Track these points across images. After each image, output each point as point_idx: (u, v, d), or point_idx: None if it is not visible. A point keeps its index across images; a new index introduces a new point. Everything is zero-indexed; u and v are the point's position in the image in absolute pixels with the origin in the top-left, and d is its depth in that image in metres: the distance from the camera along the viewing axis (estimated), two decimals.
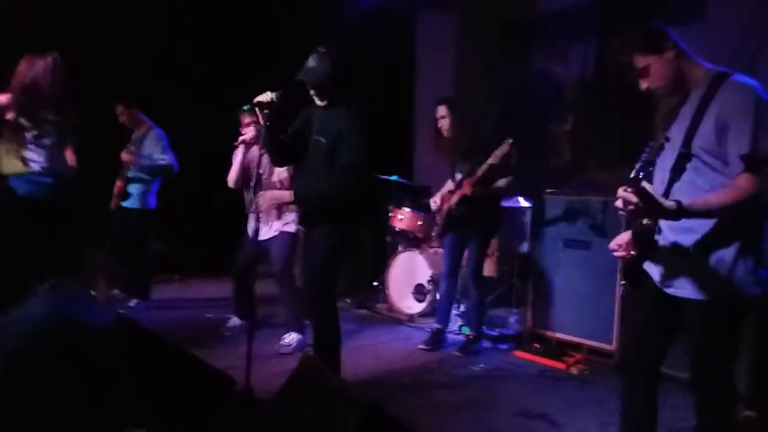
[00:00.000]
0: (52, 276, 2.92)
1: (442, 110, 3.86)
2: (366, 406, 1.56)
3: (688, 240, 1.90)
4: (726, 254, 1.85)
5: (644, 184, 1.74)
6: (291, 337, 3.79)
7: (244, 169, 3.86)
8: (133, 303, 4.58)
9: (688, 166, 1.86)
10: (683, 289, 1.91)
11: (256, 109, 2.69)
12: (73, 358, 2.07)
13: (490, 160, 3.61)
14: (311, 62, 2.76)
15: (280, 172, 3.78)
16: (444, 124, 3.86)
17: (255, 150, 3.77)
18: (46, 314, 2.22)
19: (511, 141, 3.57)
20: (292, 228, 3.83)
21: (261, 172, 3.71)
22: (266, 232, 3.82)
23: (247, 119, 3.79)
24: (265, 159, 3.40)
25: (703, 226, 1.87)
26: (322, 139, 2.79)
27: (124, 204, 4.53)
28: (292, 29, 5.57)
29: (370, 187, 2.95)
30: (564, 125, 5.54)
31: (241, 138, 3.69)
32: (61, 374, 2.01)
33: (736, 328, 1.93)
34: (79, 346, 2.11)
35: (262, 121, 2.72)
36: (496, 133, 3.94)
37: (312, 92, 2.83)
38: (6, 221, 3.57)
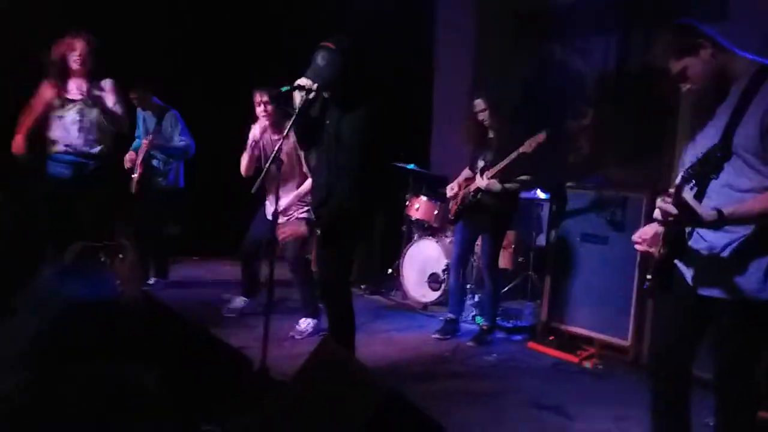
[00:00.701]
0: (75, 243, 2.95)
1: (480, 104, 3.80)
2: (386, 391, 1.57)
3: (722, 240, 1.84)
4: (760, 255, 1.79)
5: (684, 194, 1.69)
6: (306, 323, 3.81)
7: (258, 155, 3.84)
8: (152, 281, 4.64)
9: (727, 165, 1.76)
10: (715, 289, 1.87)
11: (296, 92, 2.61)
12: (93, 334, 2.09)
13: (522, 149, 3.57)
14: (319, 60, 2.61)
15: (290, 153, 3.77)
16: (485, 116, 3.80)
17: (267, 135, 3.82)
18: (63, 293, 2.23)
19: (546, 131, 3.54)
20: (306, 214, 3.82)
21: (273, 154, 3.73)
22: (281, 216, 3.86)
23: (258, 98, 3.73)
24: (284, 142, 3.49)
25: (738, 227, 1.81)
26: (330, 129, 2.76)
27: (156, 184, 4.55)
28: (305, 14, 5.56)
29: (381, 179, 2.90)
30: (583, 119, 5.49)
31: (253, 134, 3.68)
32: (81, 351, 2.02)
33: (765, 330, 1.88)
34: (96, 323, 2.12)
35: (298, 104, 2.62)
36: (513, 128, 3.90)
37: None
38: (27, 200, 3.65)
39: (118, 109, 3.81)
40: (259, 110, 3.75)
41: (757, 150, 1.75)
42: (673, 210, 1.71)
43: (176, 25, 5.42)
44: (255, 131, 3.78)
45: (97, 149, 3.75)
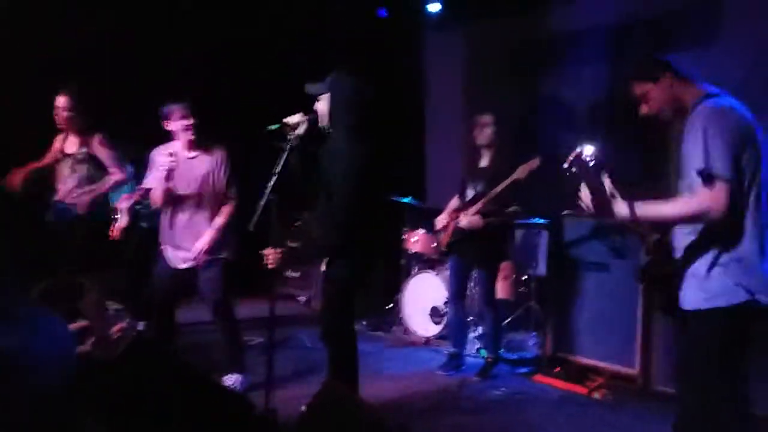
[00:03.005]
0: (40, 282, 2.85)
1: (488, 119, 3.77)
2: (395, 430, 1.52)
3: (678, 254, 2.05)
4: (701, 266, 1.96)
5: (604, 178, 2.01)
6: (233, 379, 3.40)
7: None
8: (141, 326, 4.51)
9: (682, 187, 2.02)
10: (682, 300, 2.03)
11: (285, 129, 2.65)
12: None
13: (515, 175, 3.55)
14: (327, 80, 2.73)
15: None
16: (488, 134, 3.75)
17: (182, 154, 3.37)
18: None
19: (540, 157, 3.52)
20: (223, 254, 3.41)
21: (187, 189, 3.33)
22: (185, 260, 3.37)
23: (178, 113, 3.28)
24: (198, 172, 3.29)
25: (688, 239, 2.01)
26: (324, 165, 2.76)
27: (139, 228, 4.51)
28: (292, 49, 5.61)
29: (380, 215, 2.87)
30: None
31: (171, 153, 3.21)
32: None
33: (715, 341, 1.95)
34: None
35: (288, 144, 2.64)
36: (508, 155, 3.87)
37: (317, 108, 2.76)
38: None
39: (113, 165, 3.91)
40: (180, 124, 3.29)
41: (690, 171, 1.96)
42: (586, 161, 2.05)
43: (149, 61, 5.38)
44: (173, 149, 3.28)
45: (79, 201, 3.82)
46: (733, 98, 2.04)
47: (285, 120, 2.67)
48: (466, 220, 3.72)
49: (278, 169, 2.65)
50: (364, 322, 5.11)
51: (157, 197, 3.32)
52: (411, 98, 6.39)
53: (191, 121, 3.31)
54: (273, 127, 2.67)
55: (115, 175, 3.93)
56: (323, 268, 2.77)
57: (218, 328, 3.47)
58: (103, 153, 3.90)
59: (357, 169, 2.66)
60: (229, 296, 3.46)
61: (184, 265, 3.38)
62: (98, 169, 3.88)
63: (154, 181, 3.34)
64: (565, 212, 4.11)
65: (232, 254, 3.46)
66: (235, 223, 3.44)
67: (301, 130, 2.66)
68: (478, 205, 3.70)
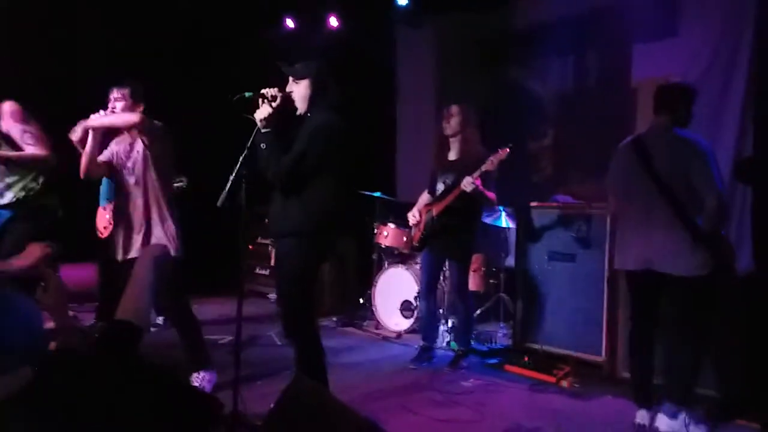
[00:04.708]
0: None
1: (455, 109, 3.76)
2: (364, 425, 1.52)
3: None
4: None
5: None
6: (201, 377, 3.17)
7: (109, 159, 3.04)
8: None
9: None
10: None
11: (259, 100, 2.57)
12: None
13: (484, 167, 3.54)
14: (298, 64, 2.73)
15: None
16: (455, 124, 3.74)
17: (124, 139, 3.10)
18: None
19: (510, 146, 3.51)
20: (164, 241, 3.07)
21: (130, 166, 3.03)
22: (135, 249, 3.08)
23: (116, 94, 3.03)
24: (137, 155, 3.01)
25: None
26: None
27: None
28: (265, 50, 5.56)
29: (341, 200, 2.73)
30: (544, 140, 5.59)
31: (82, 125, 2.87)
32: None
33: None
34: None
35: (262, 115, 2.59)
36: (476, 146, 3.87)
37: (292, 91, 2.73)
38: None
39: (27, 140, 3.08)
40: (112, 107, 3.03)
41: None
42: None
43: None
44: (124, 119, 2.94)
45: (9, 196, 3.13)
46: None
47: (263, 91, 2.59)
48: (468, 183, 3.56)
49: (251, 142, 2.57)
50: (336, 318, 5.11)
51: (83, 163, 2.96)
52: (381, 92, 6.38)
53: (123, 104, 3.01)
54: (248, 94, 2.57)
55: (31, 148, 3.12)
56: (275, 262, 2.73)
57: (174, 328, 3.23)
58: (14, 127, 3.10)
59: (326, 155, 2.62)
60: (178, 299, 3.16)
61: (131, 255, 3.08)
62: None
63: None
64: (532, 204, 4.17)
65: (179, 252, 3.10)
66: (179, 217, 3.15)
67: (275, 104, 2.61)
68: (449, 199, 3.70)
